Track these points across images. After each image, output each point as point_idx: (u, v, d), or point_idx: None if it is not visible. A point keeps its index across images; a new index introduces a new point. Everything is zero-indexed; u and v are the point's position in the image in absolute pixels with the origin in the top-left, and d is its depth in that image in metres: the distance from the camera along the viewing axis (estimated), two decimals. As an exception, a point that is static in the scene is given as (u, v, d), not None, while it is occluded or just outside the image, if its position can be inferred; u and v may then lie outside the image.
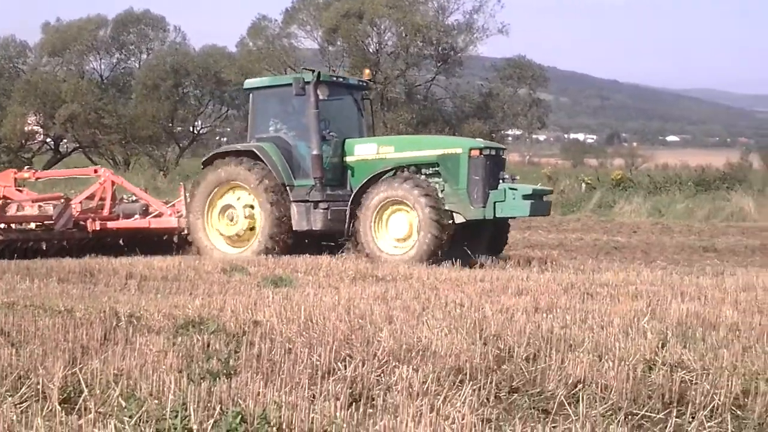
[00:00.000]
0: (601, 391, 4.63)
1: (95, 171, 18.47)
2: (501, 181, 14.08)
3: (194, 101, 53.51)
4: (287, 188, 14.90)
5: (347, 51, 46.43)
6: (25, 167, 22.32)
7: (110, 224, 16.54)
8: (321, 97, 14.80)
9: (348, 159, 15.19)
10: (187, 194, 16.27)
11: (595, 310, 7.45)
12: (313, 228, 14.76)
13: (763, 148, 59.28)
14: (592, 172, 42.67)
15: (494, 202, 13.70)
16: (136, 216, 16.97)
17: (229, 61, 49.73)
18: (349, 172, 15.19)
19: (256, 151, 15.18)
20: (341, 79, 16.61)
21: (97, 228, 16.23)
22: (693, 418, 4.23)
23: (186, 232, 16.17)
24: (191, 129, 54.91)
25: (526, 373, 5.05)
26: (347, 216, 14.36)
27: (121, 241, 16.66)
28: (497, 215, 13.80)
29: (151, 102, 48.96)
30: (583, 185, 33.83)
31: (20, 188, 17.97)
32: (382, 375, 5.03)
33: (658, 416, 4.28)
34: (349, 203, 14.35)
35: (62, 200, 16.46)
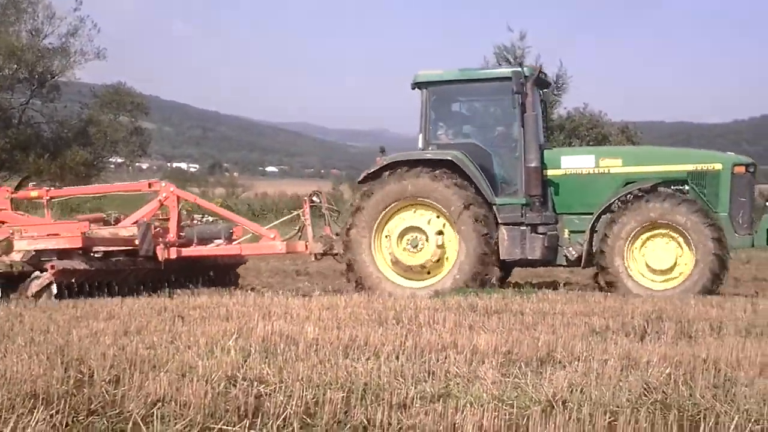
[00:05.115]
0: (180, 409, 4.66)
1: (150, 185, 14.35)
2: (766, 203, 12.61)
3: None
4: (493, 208, 12.39)
5: (-72, 69, 43.06)
6: (30, 184, 16.40)
7: (186, 251, 13.17)
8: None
9: (550, 173, 12.57)
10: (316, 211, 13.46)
11: (184, 331, 7.48)
12: (529, 256, 12.31)
13: (352, 180, 62.94)
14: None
15: (767, 229, 11.86)
16: (219, 241, 13.70)
17: None
18: (552, 189, 12.58)
19: (457, 162, 12.30)
20: (543, 75, 13.43)
21: (173, 256, 12.88)
22: (265, 428, 4.39)
23: (314, 258, 13.26)
24: None
25: (106, 396, 4.96)
26: (585, 242, 12.09)
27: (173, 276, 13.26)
28: None
29: None
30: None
31: (21, 212, 14.00)
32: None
33: (234, 429, 4.38)
34: (590, 226, 12.13)
35: (143, 221, 13.02)
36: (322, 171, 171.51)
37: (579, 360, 6.02)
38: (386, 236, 12.68)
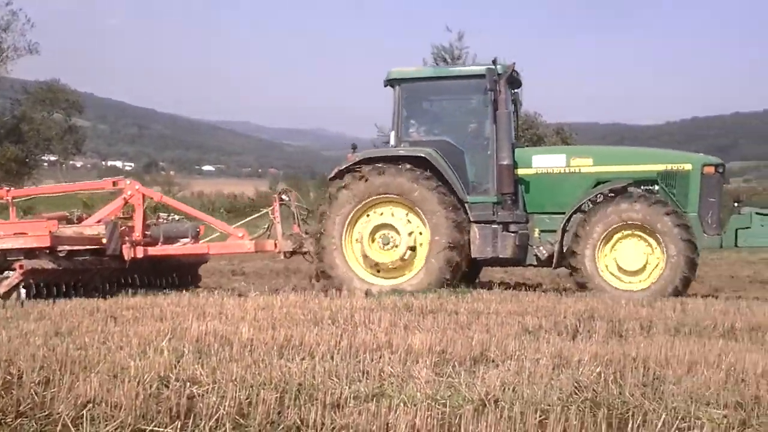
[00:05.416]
0: (111, 410, 4.61)
1: (114, 183, 13.89)
2: (735, 203, 12.42)
3: None
4: (465, 206, 12.34)
5: None
6: None
7: (152, 250, 12.84)
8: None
9: (521, 171, 12.53)
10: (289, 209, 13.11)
11: (117, 331, 7.39)
12: (500, 255, 12.25)
13: (290, 178, 62.89)
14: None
15: (736, 229, 11.84)
16: (186, 240, 13.28)
17: None
18: (523, 187, 12.54)
19: (430, 160, 12.30)
20: (516, 74, 13.19)
21: (139, 255, 12.54)
22: (197, 428, 4.36)
23: (284, 257, 12.94)
24: None
25: (36, 397, 4.88)
26: (557, 242, 12.04)
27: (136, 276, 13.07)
28: (740, 245, 11.95)
29: None
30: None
31: None
32: None
33: (165, 430, 4.34)
34: (561, 226, 12.10)
35: (111, 220, 12.65)
36: (260, 170, 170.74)
37: (512, 359, 6.07)
38: (367, 216, 12.58)
